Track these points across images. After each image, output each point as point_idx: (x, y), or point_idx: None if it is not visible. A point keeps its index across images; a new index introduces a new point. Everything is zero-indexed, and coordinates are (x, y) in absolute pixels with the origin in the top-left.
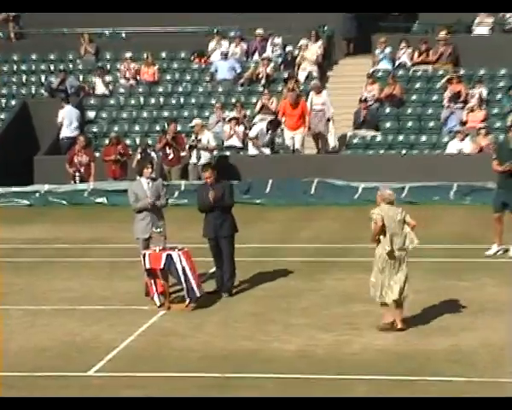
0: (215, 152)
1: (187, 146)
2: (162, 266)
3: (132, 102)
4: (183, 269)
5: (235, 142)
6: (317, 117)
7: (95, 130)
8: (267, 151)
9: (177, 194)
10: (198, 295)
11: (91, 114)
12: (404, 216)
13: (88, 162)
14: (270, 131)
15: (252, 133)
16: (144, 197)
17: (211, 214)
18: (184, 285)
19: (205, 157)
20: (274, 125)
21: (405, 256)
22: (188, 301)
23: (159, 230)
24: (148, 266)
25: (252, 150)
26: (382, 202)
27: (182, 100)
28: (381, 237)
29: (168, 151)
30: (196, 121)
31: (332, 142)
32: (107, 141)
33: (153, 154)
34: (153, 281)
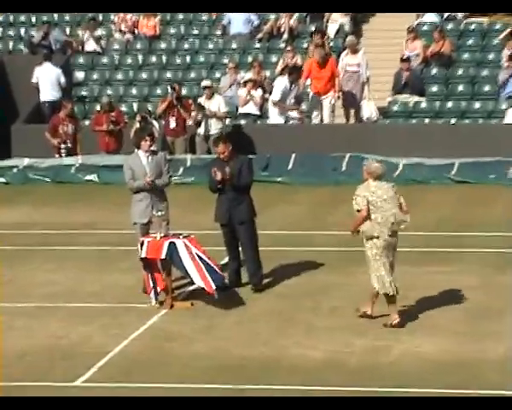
0: (227, 121)
1: (193, 113)
2: (164, 256)
3: (129, 60)
4: (193, 257)
5: (252, 109)
6: (350, 80)
7: (84, 93)
8: (294, 115)
9: (181, 170)
10: (225, 280)
11: (80, 75)
12: (397, 192)
13: (74, 132)
14: (293, 86)
15: (275, 96)
16: (142, 175)
17: (224, 196)
18: (196, 275)
19: (215, 127)
20: (295, 75)
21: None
22: (213, 289)
23: (160, 213)
24: (144, 255)
25: (275, 118)
26: (369, 177)
27: (188, 59)
28: (368, 222)
29: (171, 119)
30: (206, 82)
31: (367, 110)
32: (98, 107)
33: (154, 122)
34: (150, 274)
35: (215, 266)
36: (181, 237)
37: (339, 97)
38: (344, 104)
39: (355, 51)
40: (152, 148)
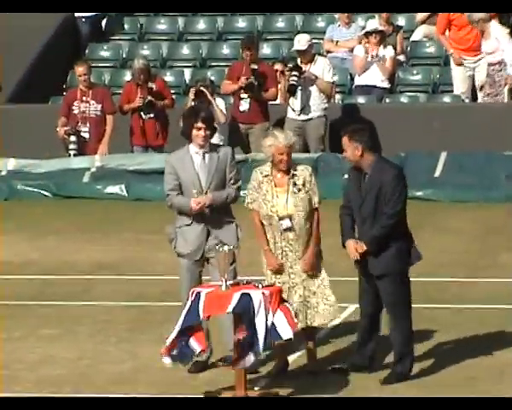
0: (337, 97)
1: (281, 85)
2: (231, 309)
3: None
4: (266, 315)
5: (376, 78)
6: None
7: (104, 53)
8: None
9: None
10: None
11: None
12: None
13: (100, 115)
14: None
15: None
16: (193, 185)
17: (360, 226)
18: (261, 335)
19: (318, 105)
20: None
21: None
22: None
23: (222, 247)
24: (202, 314)
25: None
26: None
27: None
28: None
29: (244, 96)
30: (303, 38)
31: None
32: (128, 75)
33: (218, 101)
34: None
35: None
36: (260, 286)
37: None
38: None
39: None
40: (210, 140)
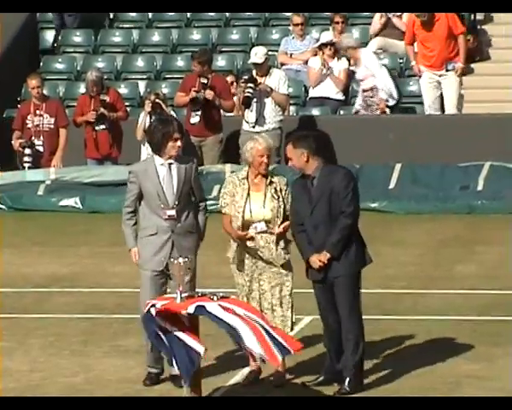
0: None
1: (236, 97)
2: (191, 311)
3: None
4: (242, 318)
5: (330, 90)
6: None
7: (59, 66)
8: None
9: (215, 191)
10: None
11: (50, 36)
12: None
13: (53, 128)
14: None
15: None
16: (160, 201)
17: (312, 232)
18: (249, 336)
19: (272, 118)
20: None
21: None
22: (279, 358)
23: (179, 260)
24: (160, 323)
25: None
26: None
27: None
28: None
29: (195, 109)
30: (259, 52)
31: None
32: (82, 87)
33: (172, 114)
34: (167, 335)
35: (279, 337)
36: (215, 298)
37: None
38: None
39: None
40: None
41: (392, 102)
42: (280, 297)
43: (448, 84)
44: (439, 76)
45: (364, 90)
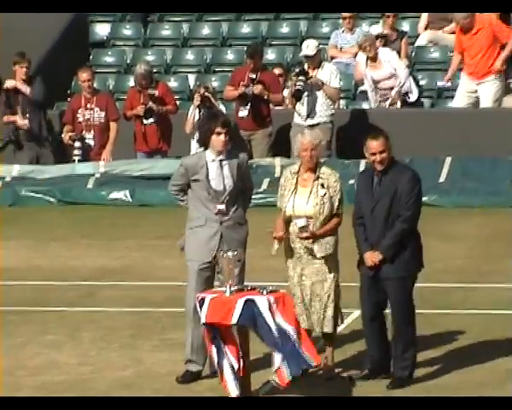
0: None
1: (285, 91)
2: (235, 321)
3: None
4: (279, 327)
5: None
6: None
7: (108, 59)
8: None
9: (265, 184)
10: (307, 365)
11: (102, 30)
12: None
13: (104, 121)
14: None
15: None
16: (209, 195)
17: (370, 228)
18: (279, 354)
19: (322, 113)
20: None
21: None
22: (287, 381)
23: (229, 253)
24: (204, 319)
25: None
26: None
27: None
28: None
29: (242, 102)
30: (311, 44)
31: None
32: (131, 80)
33: (220, 107)
34: (217, 349)
35: (302, 347)
36: (265, 291)
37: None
38: None
39: None
40: (228, 146)
41: (412, 99)
42: (319, 295)
43: (484, 90)
44: (477, 84)
45: (381, 88)
